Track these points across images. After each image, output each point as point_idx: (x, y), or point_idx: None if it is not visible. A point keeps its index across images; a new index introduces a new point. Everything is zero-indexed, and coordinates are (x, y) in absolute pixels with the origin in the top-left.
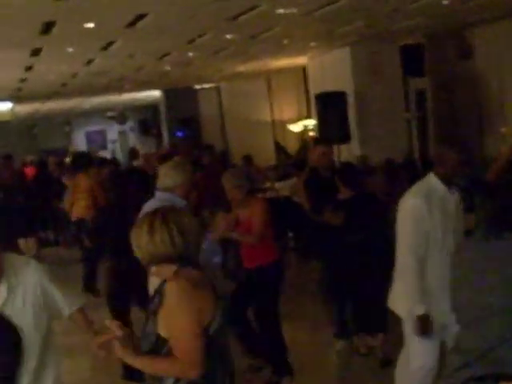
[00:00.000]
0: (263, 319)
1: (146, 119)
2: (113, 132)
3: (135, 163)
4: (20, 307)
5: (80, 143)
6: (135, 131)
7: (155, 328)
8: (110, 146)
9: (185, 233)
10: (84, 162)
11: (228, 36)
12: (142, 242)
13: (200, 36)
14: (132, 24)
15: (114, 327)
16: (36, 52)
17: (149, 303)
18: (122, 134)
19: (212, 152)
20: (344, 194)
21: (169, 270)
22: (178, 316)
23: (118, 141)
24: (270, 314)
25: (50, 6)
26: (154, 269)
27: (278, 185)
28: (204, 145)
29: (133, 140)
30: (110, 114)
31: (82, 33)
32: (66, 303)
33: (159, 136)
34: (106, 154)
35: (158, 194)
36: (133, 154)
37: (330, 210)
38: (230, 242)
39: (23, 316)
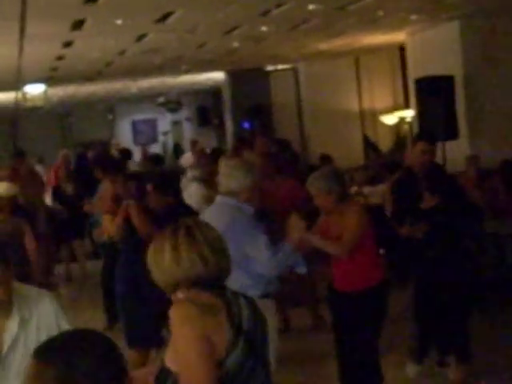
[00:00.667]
0: (363, 355)
1: (206, 107)
2: (165, 122)
3: (184, 162)
4: (34, 342)
5: (125, 135)
6: (192, 121)
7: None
8: (160, 138)
9: (215, 250)
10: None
11: (311, 6)
12: (164, 263)
13: (277, 6)
14: None
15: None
16: (78, 25)
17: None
18: (175, 124)
19: (286, 149)
20: (428, 202)
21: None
22: (181, 345)
23: (170, 132)
24: (372, 348)
25: None
26: (180, 295)
27: (366, 190)
28: (276, 139)
29: (189, 132)
30: (161, 99)
31: (134, 2)
32: None
33: (221, 127)
34: (155, 149)
35: (220, 200)
36: (179, 150)
37: (409, 223)
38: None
39: (24, 357)
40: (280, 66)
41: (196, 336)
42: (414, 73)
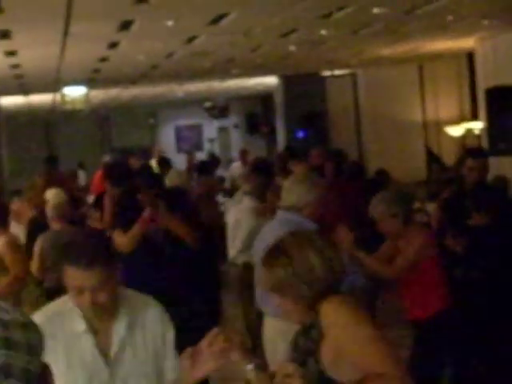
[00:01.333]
0: None
1: (255, 113)
2: (211, 128)
3: (232, 172)
4: (141, 346)
5: (167, 141)
6: (240, 128)
7: (318, 367)
8: (206, 145)
9: (331, 258)
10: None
11: (376, 10)
12: (313, 273)
13: (339, 9)
14: None
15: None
16: (126, 25)
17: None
18: (222, 130)
19: (342, 160)
20: (476, 220)
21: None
22: (355, 330)
23: (217, 140)
24: None
25: None
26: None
27: (429, 206)
28: (332, 150)
29: (236, 139)
30: (207, 104)
31: (188, 3)
32: (172, 366)
33: (271, 135)
34: (201, 156)
35: (281, 215)
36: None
37: (451, 234)
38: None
39: (144, 357)
40: (337, 72)
41: (367, 319)
42: (483, 82)
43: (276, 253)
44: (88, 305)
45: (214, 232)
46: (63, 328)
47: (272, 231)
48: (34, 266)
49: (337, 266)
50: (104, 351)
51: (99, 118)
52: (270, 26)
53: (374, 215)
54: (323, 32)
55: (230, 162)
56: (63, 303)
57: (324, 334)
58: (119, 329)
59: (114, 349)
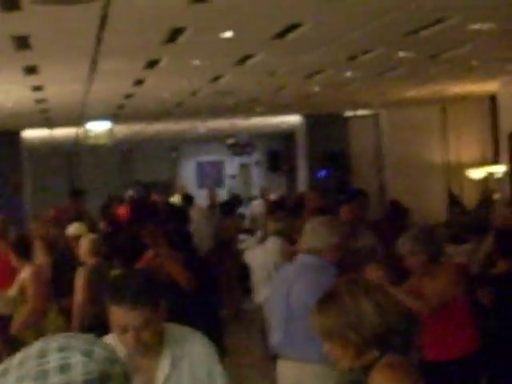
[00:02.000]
0: None
1: (277, 151)
2: (232, 165)
3: (254, 210)
4: (187, 382)
5: (189, 176)
6: (261, 165)
7: None
8: (228, 182)
9: (384, 309)
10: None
11: (402, 54)
12: (363, 319)
13: (365, 52)
14: (280, 35)
15: None
16: (152, 63)
17: None
18: (244, 167)
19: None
20: (500, 267)
21: (372, 356)
22: None
23: (238, 176)
24: None
25: (183, 9)
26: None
27: (450, 249)
28: (355, 189)
29: (258, 176)
30: (230, 141)
31: (216, 43)
32: None
33: (292, 173)
34: (221, 193)
35: (302, 258)
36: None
37: (479, 288)
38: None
39: None
40: (360, 112)
41: None
42: (506, 125)
43: (329, 299)
44: (132, 344)
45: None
46: None
47: (294, 274)
48: (79, 297)
49: (390, 315)
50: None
51: (122, 151)
52: (295, 68)
53: (401, 252)
54: (348, 74)
55: (250, 199)
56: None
57: None
58: (164, 366)
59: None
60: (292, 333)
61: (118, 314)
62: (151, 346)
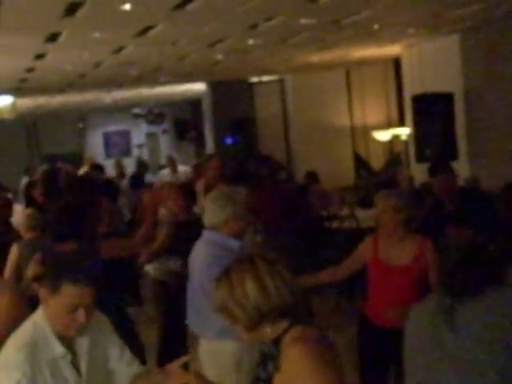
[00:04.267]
0: None
1: (184, 119)
2: (139, 134)
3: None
4: (99, 357)
5: (96, 147)
6: (169, 134)
7: None
8: (135, 151)
9: (288, 282)
10: None
11: (303, 21)
12: (247, 298)
13: (266, 20)
14: (179, 6)
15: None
16: (53, 37)
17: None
18: (151, 136)
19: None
20: None
21: (277, 328)
22: (311, 375)
23: (145, 145)
24: None
25: None
26: (268, 330)
27: (359, 213)
28: (260, 155)
29: (165, 145)
30: (136, 110)
31: (116, 15)
32: (123, 365)
33: (199, 141)
34: (129, 162)
35: (205, 234)
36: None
37: None
38: None
39: (102, 367)
40: (265, 78)
41: (330, 367)
42: (410, 88)
43: (222, 276)
44: (82, 321)
45: None
46: (43, 355)
47: (198, 251)
48: (8, 274)
49: (275, 296)
50: (77, 369)
51: (27, 125)
52: (197, 37)
53: (379, 205)
54: (251, 41)
55: (159, 168)
56: (32, 331)
57: (280, 368)
58: (83, 345)
59: (83, 365)
60: (194, 310)
61: (73, 293)
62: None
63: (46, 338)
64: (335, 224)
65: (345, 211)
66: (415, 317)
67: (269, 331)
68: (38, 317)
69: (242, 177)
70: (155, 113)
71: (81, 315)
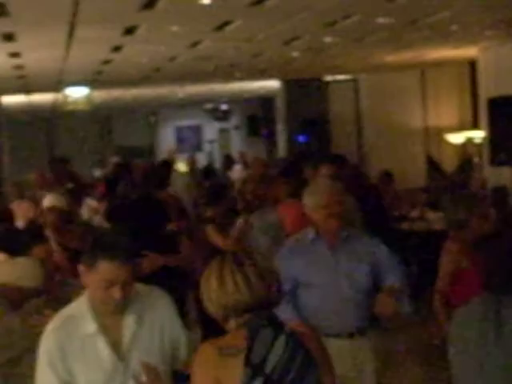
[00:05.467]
0: None
1: (256, 116)
2: (211, 129)
3: (234, 175)
4: (149, 337)
5: (167, 141)
6: (241, 130)
7: None
8: (206, 146)
9: (263, 275)
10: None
11: (380, 20)
12: (211, 291)
13: (344, 18)
14: (258, 2)
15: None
16: (130, 30)
17: None
18: (223, 132)
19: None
20: None
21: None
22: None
23: (217, 141)
24: None
25: None
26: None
27: (429, 215)
28: (333, 155)
29: (237, 141)
30: (208, 106)
31: (194, 10)
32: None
33: (271, 138)
34: (200, 157)
35: None
36: (229, 161)
37: None
38: None
39: (151, 349)
40: (339, 77)
41: (204, 378)
42: (485, 91)
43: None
44: (118, 298)
45: None
46: (77, 331)
47: None
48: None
49: (232, 296)
50: (117, 347)
51: (101, 117)
52: (274, 34)
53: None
54: (327, 39)
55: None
56: (76, 307)
57: None
58: (130, 323)
59: (125, 343)
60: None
61: (108, 269)
62: (126, 301)
63: (82, 314)
64: (405, 225)
65: (415, 213)
66: (461, 320)
67: (232, 325)
68: (84, 295)
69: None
70: (222, 109)
71: (116, 292)
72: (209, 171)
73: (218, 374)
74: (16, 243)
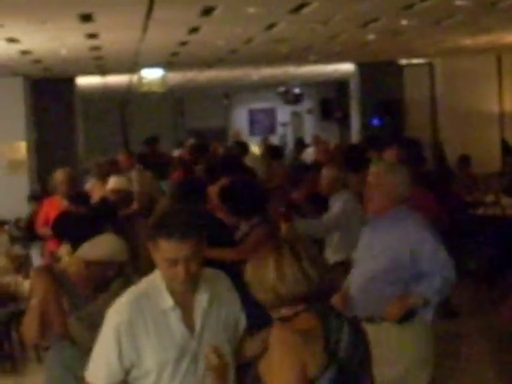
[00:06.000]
0: None
1: (329, 99)
2: (284, 112)
3: (307, 157)
4: (217, 317)
5: (240, 124)
6: (314, 113)
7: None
8: (279, 129)
9: (317, 265)
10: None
11: (458, 2)
12: (267, 280)
13: (422, 1)
14: None
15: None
16: (208, 11)
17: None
18: (295, 115)
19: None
20: None
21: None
22: (276, 368)
23: (290, 124)
24: None
25: None
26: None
27: (505, 200)
28: (407, 139)
29: (310, 124)
30: (281, 89)
31: None
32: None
33: (345, 121)
34: (274, 140)
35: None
36: (301, 145)
37: None
38: None
39: (218, 328)
40: (414, 60)
41: (292, 365)
42: None
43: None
44: (182, 276)
45: None
46: (151, 306)
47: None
48: None
49: (292, 282)
50: (189, 324)
51: (174, 99)
52: (350, 16)
53: None
54: (404, 22)
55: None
56: (149, 282)
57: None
58: (201, 301)
59: (198, 321)
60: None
61: (168, 248)
62: (193, 280)
63: (157, 290)
64: (480, 210)
65: (490, 198)
66: None
67: (284, 312)
68: (156, 271)
69: None
70: (294, 93)
71: (180, 269)
72: (275, 152)
73: (305, 359)
74: (79, 230)
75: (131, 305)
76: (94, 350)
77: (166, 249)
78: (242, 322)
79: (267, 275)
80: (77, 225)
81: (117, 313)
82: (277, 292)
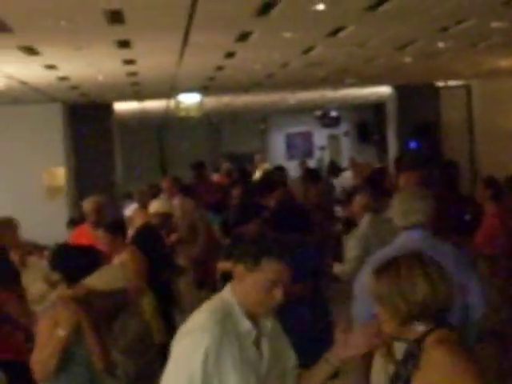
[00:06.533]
0: None
1: (366, 122)
2: (321, 136)
3: (343, 181)
4: (275, 339)
5: (277, 148)
6: (351, 136)
7: None
8: (317, 153)
9: (438, 285)
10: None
11: (495, 24)
12: (415, 292)
13: (458, 23)
14: (372, 7)
15: None
16: (244, 36)
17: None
18: (333, 138)
19: (456, 172)
20: None
21: (426, 326)
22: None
23: (327, 147)
24: None
25: None
26: (419, 327)
27: None
28: (444, 161)
29: (347, 147)
30: (318, 112)
31: (308, 16)
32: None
33: (382, 144)
34: (311, 164)
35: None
36: (335, 168)
37: None
38: None
39: (280, 348)
40: (451, 83)
41: (478, 374)
42: None
43: (388, 266)
44: (279, 298)
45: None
46: (234, 328)
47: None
48: None
49: (441, 295)
50: (258, 349)
51: (211, 123)
52: (386, 39)
53: None
54: (440, 45)
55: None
56: (226, 303)
57: (421, 368)
58: (266, 327)
59: (265, 347)
60: None
61: (276, 269)
62: None
63: (233, 313)
64: None
65: None
66: None
67: (419, 328)
68: (226, 293)
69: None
70: (331, 116)
71: (277, 292)
72: (313, 175)
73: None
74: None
75: (217, 324)
76: (171, 371)
77: (273, 270)
78: (292, 356)
79: (416, 286)
80: (71, 257)
81: (204, 332)
82: (424, 304)
